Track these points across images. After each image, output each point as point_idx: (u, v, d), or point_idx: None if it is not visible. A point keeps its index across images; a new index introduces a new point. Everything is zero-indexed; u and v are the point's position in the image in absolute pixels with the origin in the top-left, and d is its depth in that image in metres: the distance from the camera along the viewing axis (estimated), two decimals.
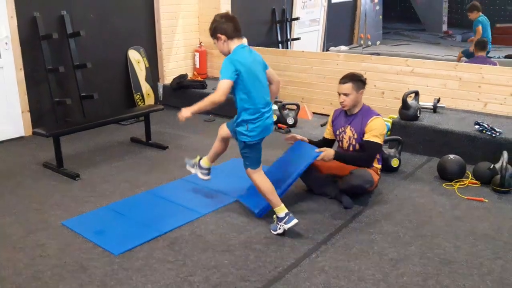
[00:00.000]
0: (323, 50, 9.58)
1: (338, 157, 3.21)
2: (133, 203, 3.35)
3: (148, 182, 3.75)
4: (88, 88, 5.22)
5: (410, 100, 4.55)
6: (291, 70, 5.94)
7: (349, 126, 3.39)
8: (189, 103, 5.84)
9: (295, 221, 2.85)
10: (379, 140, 3.29)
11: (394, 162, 3.96)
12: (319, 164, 3.41)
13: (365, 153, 3.31)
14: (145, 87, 6.01)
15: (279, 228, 2.88)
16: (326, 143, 3.57)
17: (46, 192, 3.55)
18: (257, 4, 7.56)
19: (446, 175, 3.79)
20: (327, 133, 3.61)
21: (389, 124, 4.53)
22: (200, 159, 3.45)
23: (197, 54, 6.52)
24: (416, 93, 4.61)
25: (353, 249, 2.78)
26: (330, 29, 9.74)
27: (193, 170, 3.48)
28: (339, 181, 3.37)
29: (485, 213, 3.23)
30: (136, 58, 5.91)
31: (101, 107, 5.46)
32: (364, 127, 3.31)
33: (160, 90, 6.27)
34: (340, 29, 10.43)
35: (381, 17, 11.44)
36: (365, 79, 3.41)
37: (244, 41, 3.03)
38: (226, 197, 3.45)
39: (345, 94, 3.30)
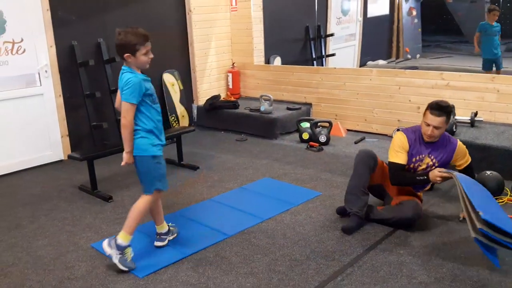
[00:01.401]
0: (360, 65, 9.50)
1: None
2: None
3: (177, 203, 3.79)
4: None
5: None
6: (323, 87, 5.90)
7: (428, 155, 3.14)
8: (222, 124, 6.03)
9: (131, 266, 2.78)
10: (469, 158, 3.24)
11: None
12: (390, 185, 3.26)
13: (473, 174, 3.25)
14: (180, 109, 6.12)
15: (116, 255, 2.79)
16: (397, 171, 3.18)
17: (79, 215, 3.65)
18: (290, 22, 7.60)
19: None
20: (401, 158, 3.15)
21: None
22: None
23: (230, 75, 6.59)
24: (452, 107, 4.44)
25: (380, 271, 2.68)
26: (367, 43, 9.64)
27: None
28: (383, 208, 3.25)
29: None
30: (171, 81, 6.05)
31: None
32: (451, 155, 3.15)
33: (194, 112, 6.37)
34: (378, 43, 10.30)
35: (420, 30, 11.22)
36: (453, 110, 3.27)
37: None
38: (253, 218, 3.43)
39: (436, 127, 3.02)
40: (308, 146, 5.14)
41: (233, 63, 6.64)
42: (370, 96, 5.49)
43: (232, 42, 6.67)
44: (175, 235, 3.17)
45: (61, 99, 5.00)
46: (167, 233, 3.11)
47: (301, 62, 7.56)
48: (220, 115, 6.07)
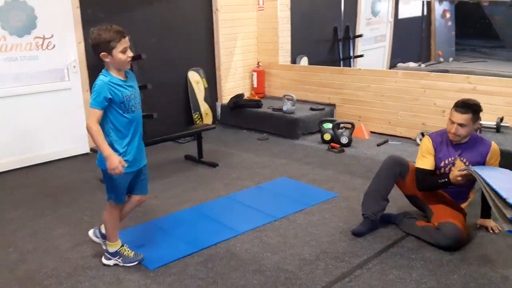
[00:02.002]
0: (390, 67, 9.36)
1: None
2: (176, 219, 3.45)
3: (194, 199, 3.85)
4: (148, 108, 5.47)
5: None
6: (348, 88, 5.86)
7: (459, 157, 3.02)
8: (245, 122, 6.06)
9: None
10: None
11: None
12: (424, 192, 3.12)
13: None
14: (204, 107, 6.19)
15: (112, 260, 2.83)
16: (425, 176, 3.08)
17: (99, 207, 3.74)
18: (318, 23, 7.56)
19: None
20: (427, 163, 3.06)
21: None
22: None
23: (255, 74, 6.62)
24: None
25: (389, 275, 2.66)
26: (398, 45, 9.50)
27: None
28: (422, 226, 3.07)
29: None
30: (196, 79, 6.12)
31: (161, 126, 5.69)
32: (485, 156, 3.00)
33: (218, 110, 6.43)
34: (409, 45, 10.13)
35: (453, 33, 10.98)
36: (482, 109, 3.03)
37: None
38: (266, 216, 3.45)
39: (461, 125, 2.91)
40: (329, 147, 5.11)
41: (258, 62, 6.67)
42: (394, 99, 5.42)
43: (258, 42, 6.70)
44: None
45: (88, 94, 5.14)
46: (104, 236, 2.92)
47: (328, 63, 7.51)
48: (244, 114, 6.11)
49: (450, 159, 3.04)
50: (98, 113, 2.48)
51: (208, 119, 6.27)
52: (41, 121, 4.86)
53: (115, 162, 2.49)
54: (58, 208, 3.74)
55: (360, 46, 8.56)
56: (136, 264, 2.84)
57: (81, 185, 4.26)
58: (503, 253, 2.85)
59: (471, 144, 3.03)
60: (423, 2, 10.08)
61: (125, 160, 2.58)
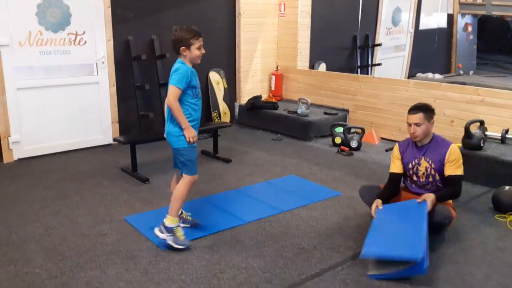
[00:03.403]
0: (408, 76, 9.50)
1: (438, 199, 3.10)
2: (188, 207, 3.68)
3: (206, 190, 4.11)
4: None
5: (475, 129, 4.48)
6: (361, 95, 6.06)
7: (423, 157, 3.26)
8: (261, 123, 6.32)
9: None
10: (461, 170, 3.21)
11: None
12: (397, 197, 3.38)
13: (453, 188, 3.19)
14: (222, 106, 6.47)
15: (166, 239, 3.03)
16: (394, 180, 3.37)
17: (118, 192, 4.05)
18: (338, 30, 7.78)
19: (500, 206, 3.69)
20: (396, 167, 3.36)
21: None
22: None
23: (273, 77, 6.88)
24: (481, 123, 4.52)
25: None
26: (418, 56, 9.63)
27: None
28: None
29: None
30: (216, 79, 6.41)
31: None
32: (443, 155, 3.19)
33: (237, 110, 6.71)
34: (430, 56, 10.24)
35: (475, 47, 11.03)
36: (433, 109, 3.30)
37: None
38: (271, 209, 3.69)
39: (416, 124, 3.18)
40: (339, 150, 5.33)
41: (277, 66, 6.92)
42: (405, 107, 5.48)
43: (278, 46, 6.95)
44: (188, 225, 3.32)
45: (114, 89, 5.48)
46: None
47: (346, 70, 7.72)
48: (260, 115, 6.36)
49: (415, 161, 3.30)
50: (179, 92, 2.94)
51: (226, 118, 6.55)
52: (70, 111, 5.20)
53: (193, 131, 3.03)
54: (80, 192, 4.05)
55: (379, 55, 8.74)
56: (149, 243, 3.11)
57: (102, 172, 4.56)
58: (491, 255, 3.02)
59: (433, 145, 3.27)
60: (444, 14, 10.18)
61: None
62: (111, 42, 5.34)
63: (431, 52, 10.31)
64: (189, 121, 3.03)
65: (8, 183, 4.25)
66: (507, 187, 3.72)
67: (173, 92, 2.93)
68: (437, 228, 3.23)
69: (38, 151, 5.04)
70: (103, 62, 5.33)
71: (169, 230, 3.03)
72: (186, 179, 3.09)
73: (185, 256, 2.96)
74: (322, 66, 7.59)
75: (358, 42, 8.14)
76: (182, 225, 3.22)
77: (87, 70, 5.28)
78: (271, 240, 3.19)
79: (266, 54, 6.85)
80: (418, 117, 3.21)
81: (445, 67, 10.68)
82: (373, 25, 8.52)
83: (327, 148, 5.53)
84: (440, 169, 3.24)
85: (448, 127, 5.17)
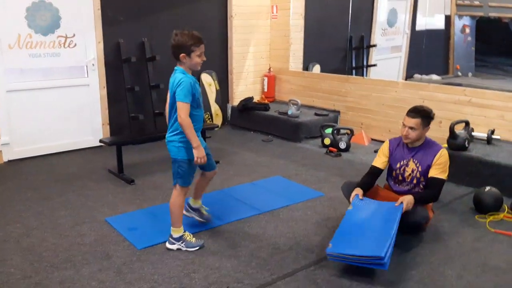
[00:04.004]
0: (406, 77, 9.49)
1: (416, 200, 3.07)
2: (168, 208, 3.74)
3: (189, 192, 4.11)
4: (161, 106, 5.81)
5: (460, 130, 4.47)
6: (352, 96, 6.07)
7: (412, 159, 3.27)
8: (252, 124, 6.35)
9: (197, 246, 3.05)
10: (445, 175, 3.20)
11: None
12: (375, 195, 3.37)
13: (433, 191, 3.19)
14: (214, 108, 6.50)
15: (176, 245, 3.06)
16: (373, 173, 3.39)
17: (102, 193, 4.09)
18: (333, 32, 7.79)
19: (481, 207, 3.68)
20: (380, 162, 3.39)
21: None
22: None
23: (266, 79, 6.90)
24: (467, 123, 4.52)
25: (352, 267, 2.87)
26: (415, 56, 9.61)
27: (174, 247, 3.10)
28: None
29: (507, 248, 3.12)
30: (208, 81, 6.44)
31: None
32: (432, 159, 3.20)
33: (229, 111, 6.73)
34: (428, 57, 10.22)
35: (473, 48, 10.99)
36: (434, 114, 3.28)
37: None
38: (252, 209, 3.71)
39: (411, 128, 3.18)
40: (327, 151, 5.34)
41: (270, 68, 6.94)
42: (395, 108, 5.60)
43: (271, 48, 6.97)
44: (203, 220, 3.37)
45: (104, 91, 5.52)
46: (195, 209, 3.36)
47: (340, 71, 7.72)
48: (252, 116, 6.39)
49: (404, 161, 3.32)
50: (188, 107, 2.82)
51: (218, 120, 6.57)
52: (60, 113, 5.25)
53: (203, 152, 2.90)
54: (64, 193, 4.09)
55: (375, 56, 8.74)
56: (126, 244, 3.14)
57: (89, 174, 4.61)
58: (466, 256, 3.02)
59: (423, 148, 3.28)
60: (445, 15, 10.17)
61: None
62: (101, 45, 5.39)
63: (428, 53, 10.29)
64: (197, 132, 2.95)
65: None
66: (487, 188, 3.71)
67: (183, 108, 2.80)
68: (414, 228, 3.24)
69: (28, 152, 5.09)
70: (93, 65, 5.38)
71: (178, 239, 3.05)
72: (178, 190, 3.04)
73: (160, 256, 2.99)
74: (317, 68, 7.61)
75: (352, 43, 8.15)
76: (197, 218, 3.32)
77: (77, 72, 5.33)
78: (248, 241, 3.21)
79: (258, 56, 6.88)
80: (415, 121, 3.20)
81: (443, 69, 10.66)
82: (368, 26, 8.53)
83: (316, 149, 5.54)
84: (426, 173, 3.25)
85: (436, 128, 5.14)
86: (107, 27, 5.41)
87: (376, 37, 8.68)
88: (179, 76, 2.86)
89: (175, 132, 2.99)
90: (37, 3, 4.89)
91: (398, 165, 3.34)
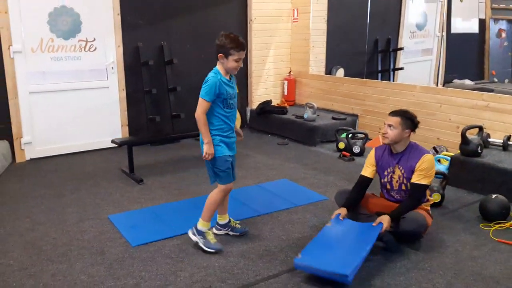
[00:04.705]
0: (442, 82, 9.24)
1: (394, 217, 3.05)
2: (171, 208, 3.83)
3: (196, 192, 4.20)
4: (178, 108, 5.94)
5: (473, 135, 4.34)
6: (370, 100, 5.99)
7: (397, 165, 3.22)
8: (270, 127, 6.37)
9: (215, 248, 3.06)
10: (428, 181, 3.12)
11: (435, 197, 3.83)
12: (366, 202, 3.36)
13: (411, 198, 3.14)
14: None
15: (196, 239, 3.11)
16: (362, 182, 3.34)
17: (111, 192, 4.22)
18: (357, 35, 7.69)
19: (487, 215, 3.56)
20: (368, 172, 3.33)
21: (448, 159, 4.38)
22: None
23: (286, 82, 6.90)
24: (480, 128, 4.37)
25: None
26: (452, 60, 9.34)
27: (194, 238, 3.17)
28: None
29: (507, 258, 3.00)
30: None
31: (190, 126, 6.13)
32: (414, 165, 3.13)
33: (248, 114, 6.78)
34: (465, 61, 9.91)
35: (510, 54, 10.57)
36: (418, 122, 3.23)
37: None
38: (251, 211, 3.74)
39: (390, 126, 3.15)
40: (341, 155, 5.29)
41: (290, 71, 6.94)
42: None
43: (292, 52, 6.97)
44: (237, 233, 3.30)
45: (124, 93, 5.70)
46: (225, 225, 3.33)
47: (365, 75, 7.62)
48: (270, 119, 6.41)
49: (390, 169, 3.26)
50: (207, 104, 2.92)
51: (237, 123, 6.60)
52: (81, 114, 5.46)
53: (212, 148, 2.98)
54: (76, 191, 4.25)
55: (403, 59, 8.57)
56: (122, 241, 3.24)
57: (103, 173, 4.76)
58: (461, 264, 2.93)
59: (407, 153, 3.20)
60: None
61: (227, 143, 3.05)
62: (121, 48, 5.57)
63: (462, 57, 9.98)
64: (220, 133, 3.02)
65: (15, 181, 4.52)
66: (494, 195, 3.58)
67: (201, 104, 2.91)
68: (411, 237, 3.17)
69: (49, 152, 5.32)
70: (112, 68, 5.56)
71: (200, 233, 3.10)
72: (218, 188, 3.11)
73: (152, 254, 3.06)
74: (340, 72, 7.53)
75: (378, 46, 8.03)
76: (231, 233, 3.31)
77: (97, 75, 5.52)
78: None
79: (279, 59, 6.90)
80: (394, 120, 3.18)
81: (478, 74, 10.30)
82: (395, 28, 8.38)
83: (330, 153, 5.50)
84: (409, 177, 3.18)
85: (454, 132, 5.02)
86: (126, 32, 5.58)
87: (404, 40, 8.51)
88: (209, 74, 2.97)
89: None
90: (59, 8, 5.12)
91: (385, 173, 3.28)
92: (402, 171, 3.21)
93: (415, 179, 3.14)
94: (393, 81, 8.17)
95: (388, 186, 3.33)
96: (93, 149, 5.59)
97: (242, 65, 3.03)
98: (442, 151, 4.95)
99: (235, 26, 6.49)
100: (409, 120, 3.20)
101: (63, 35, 5.20)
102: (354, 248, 2.87)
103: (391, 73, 8.30)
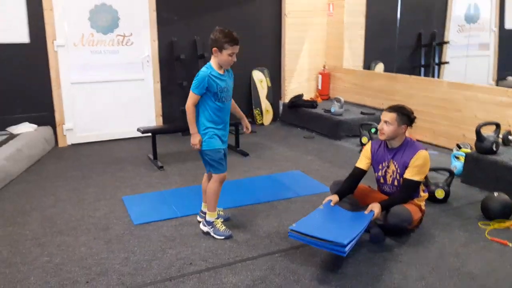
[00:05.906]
0: (497, 80, 8.84)
1: (384, 207, 3.11)
2: (179, 192, 4.09)
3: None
4: None
5: (490, 133, 4.22)
6: (399, 95, 5.92)
7: (392, 160, 3.25)
8: (300, 121, 6.48)
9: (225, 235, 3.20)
10: (420, 178, 3.14)
11: (439, 193, 3.79)
12: (358, 195, 3.42)
13: (402, 193, 3.18)
14: (265, 104, 6.74)
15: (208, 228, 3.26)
16: (356, 174, 3.37)
17: (132, 176, 4.56)
18: (400, 28, 7.54)
19: (488, 213, 3.48)
20: (363, 164, 3.37)
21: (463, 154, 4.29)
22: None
23: (320, 76, 6.96)
24: (497, 125, 4.24)
25: (316, 257, 2.94)
26: (506, 57, 8.89)
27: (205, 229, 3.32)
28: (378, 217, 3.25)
29: (494, 256, 2.95)
30: (260, 77, 6.69)
31: None
32: (408, 160, 3.15)
33: (280, 108, 6.92)
34: None
35: None
36: (414, 117, 3.24)
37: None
38: (252, 198, 3.91)
39: (386, 122, 3.19)
40: (361, 150, 5.29)
41: (324, 66, 6.99)
42: (439, 108, 5.38)
43: (327, 46, 7.01)
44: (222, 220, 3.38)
45: (158, 85, 6.05)
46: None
47: (407, 70, 7.47)
48: (300, 113, 6.52)
49: (385, 163, 3.28)
50: (195, 97, 3.08)
51: (268, 116, 6.80)
52: (118, 104, 5.87)
53: (196, 140, 3.12)
54: (102, 174, 4.63)
55: (450, 53, 8.28)
56: (127, 219, 3.53)
57: (131, 159, 5.13)
58: (443, 260, 2.93)
59: (402, 148, 3.21)
60: None
61: (218, 135, 3.16)
62: (156, 43, 5.91)
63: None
64: (213, 125, 3.13)
65: (52, 163, 4.99)
66: (496, 193, 3.50)
67: (191, 97, 3.10)
68: (396, 230, 3.19)
69: (89, 138, 5.78)
70: (148, 61, 5.92)
71: (210, 224, 3.29)
72: (214, 177, 3.23)
73: (149, 232, 3.33)
74: (380, 66, 7.46)
75: (422, 40, 7.83)
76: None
77: (133, 68, 5.91)
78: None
79: (313, 54, 6.96)
80: (390, 116, 3.21)
81: None
82: (442, 22, 8.11)
83: (353, 147, 5.53)
84: (403, 172, 3.20)
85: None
86: (161, 27, 5.91)
87: (451, 33, 8.22)
88: (201, 69, 3.11)
89: (198, 124, 3.17)
90: (99, 6, 5.53)
91: (380, 167, 3.31)
92: (396, 166, 3.24)
93: (407, 174, 3.16)
94: (438, 76, 7.95)
95: (382, 180, 3.37)
96: (129, 137, 5.99)
97: (236, 60, 3.15)
98: (467, 148, 4.83)
99: (269, 21, 6.65)
100: (405, 116, 3.22)
101: (102, 30, 5.62)
102: (349, 225, 2.93)
103: (436, 67, 8.06)
